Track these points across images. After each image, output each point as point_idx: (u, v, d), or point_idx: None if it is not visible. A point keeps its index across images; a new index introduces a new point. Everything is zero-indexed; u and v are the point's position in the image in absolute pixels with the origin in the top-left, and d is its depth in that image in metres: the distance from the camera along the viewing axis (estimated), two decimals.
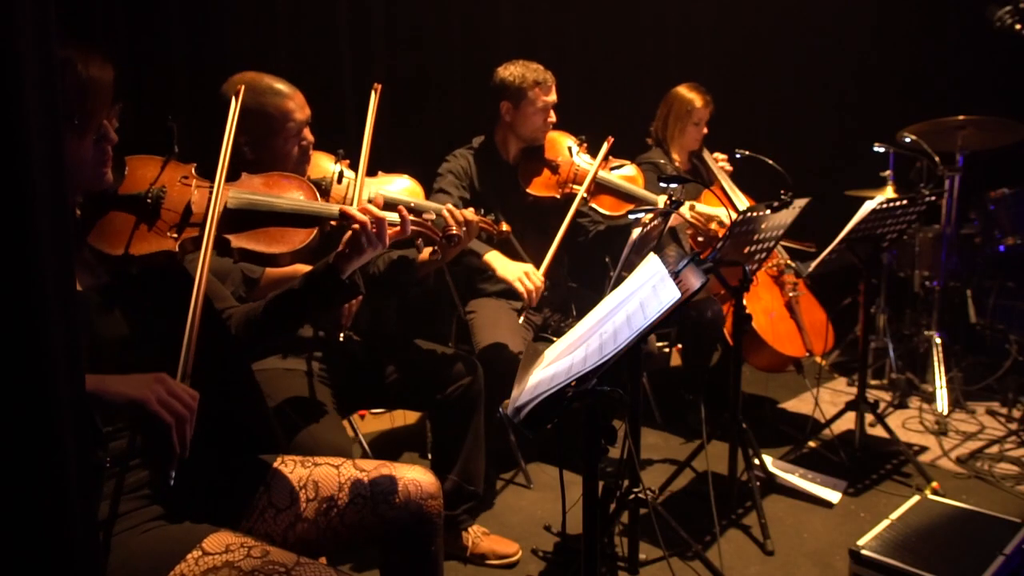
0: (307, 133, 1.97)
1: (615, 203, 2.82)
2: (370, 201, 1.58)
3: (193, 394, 1.14)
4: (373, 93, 2.04)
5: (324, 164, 2.16)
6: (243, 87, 1.67)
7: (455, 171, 2.77)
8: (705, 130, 3.35)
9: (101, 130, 1.21)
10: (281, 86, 1.92)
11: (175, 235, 1.37)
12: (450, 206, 2.15)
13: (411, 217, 1.59)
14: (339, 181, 2.09)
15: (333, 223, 1.52)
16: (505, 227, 2.27)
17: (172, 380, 1.14)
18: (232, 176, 1.52)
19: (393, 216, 1.56)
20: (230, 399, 1.46)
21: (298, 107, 1.92)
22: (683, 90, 3.35)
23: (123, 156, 1.31)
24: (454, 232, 1.72)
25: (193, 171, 1.47)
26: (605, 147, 2.80)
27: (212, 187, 1.40)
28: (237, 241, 1.44)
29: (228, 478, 1.43)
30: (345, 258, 1.50)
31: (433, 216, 1.72)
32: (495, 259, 2.58)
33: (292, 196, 1.54)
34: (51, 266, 0.65)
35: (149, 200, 1.35)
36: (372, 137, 1.97)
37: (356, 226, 1.47)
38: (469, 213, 2.13)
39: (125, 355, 1.27)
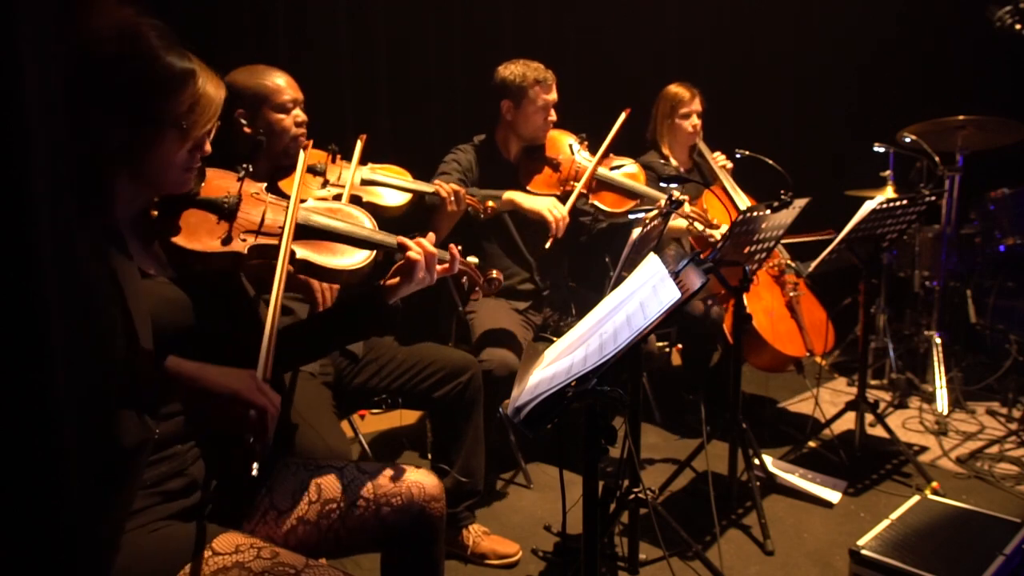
0: (300, 111, 2.09)
1: (617, 200, 2.82)
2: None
3: (276, 395, 1.21)
4: (359, 142, 2.23)
5: (317, 160, 2.22)
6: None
7: (460, 161, 2.79)
8: (698, 123, 3.34)
9: (199, 141, 1.30)
10: (274, 70, 2.07)
11: (247, 240, 1.43)
12: (439, 180, 2.36)
13: (460, 258, 1.69)
14: (333, 160, 2.21)
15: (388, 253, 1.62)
16: (491, 204, 2.42)
17: (258, 378, 1.20)
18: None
19: (444, 253, 1.66)
20: None
21: (289, 85, 2.06)
22: (670, 87, 3.38)
23: (204, 166, 1.41)
24: (494, 276, 1.83)
25: (263, 189, 1.55)
26: (605, 144, 2.80)
27: (287, 204, 1.49)
28: (302, 251, 1.50)
29: (230, 479, 1.43)
30: (392, 289, 1.55)
31: (475, 260, 1.82)
32: (517, 196, 2.65)
33: (354, 222, 1.62)
34: (52, 261, 0.65)
35: (226, 206, 1.42)
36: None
37: (412, 255, 1.55)
38: (459, 187, 2.33)
39: (196, 342, 1.30)
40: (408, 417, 3.40)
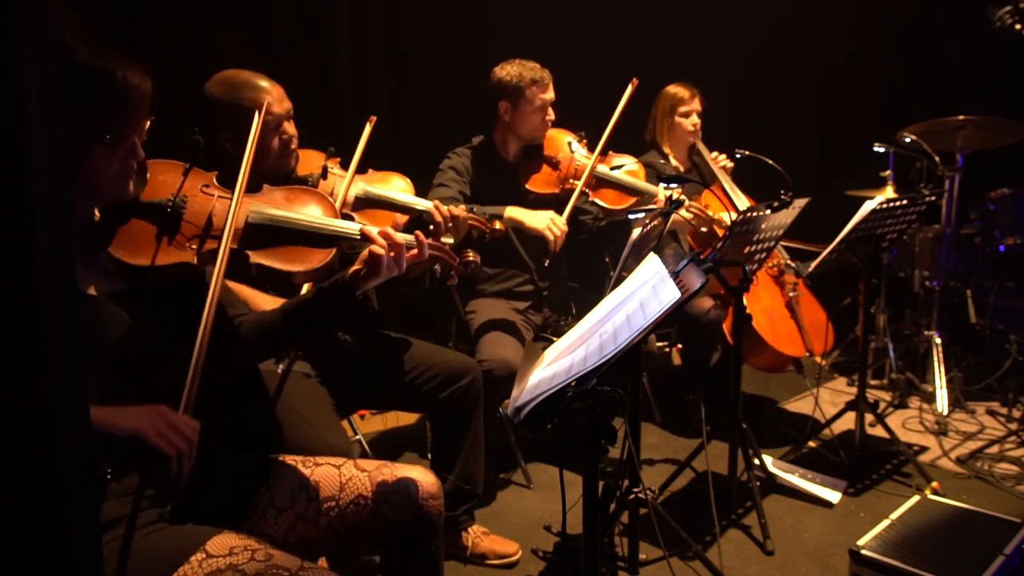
0: (288, 127, 1.96)
1: (617, 196, 2.82)
2: (392, 226, 1.56)
3: (193, 426, 1.14)
4: (368, 124, 2.15)
5: (314, 162, 2.16)
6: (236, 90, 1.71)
7: (456, 167, 2.77)
8: (698, 122, 3.34)
9: (130, 147, 1.22)
10: (259, 81, 1.90)
11: (194, 247, 1.36)
12: (437, 202, 2.18)
13: (428, 241, 1.57)
14: (324, 177, 2.09)
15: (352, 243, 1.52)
16: (499, 225, 2.29)
17: (172, 412, 1.13)
18: (254, 188, 1.51)
19: (410, 239, 1.53)
20: (236, 400, 1.46)
21: (275, 100, 1.89)
22: (669, 87, 3.39)
23: (145, 161, 1.29)
24: (470, 259, 1.71)
25: (215, 180, 1.46)
26: (603, 138, 2.80)
27: (232, 199, 1.39)
28: (256, 257, 1.42)
29: (230, 478, 1.43)
30: (361, 278, 1.46)
31: (450, 241, 1.72)
32: (517, 212, 2.61)
33: (312, 212, 1.53)
34: (51, 269, 0.65)
35: (170, 209, 1.34)
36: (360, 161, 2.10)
37: (376, 250, 1.44)
38: (458, 210, 2.16)
39: (134, 361, 1.27)
40: (408, 417, 3.40)
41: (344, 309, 1.46)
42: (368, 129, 2.20)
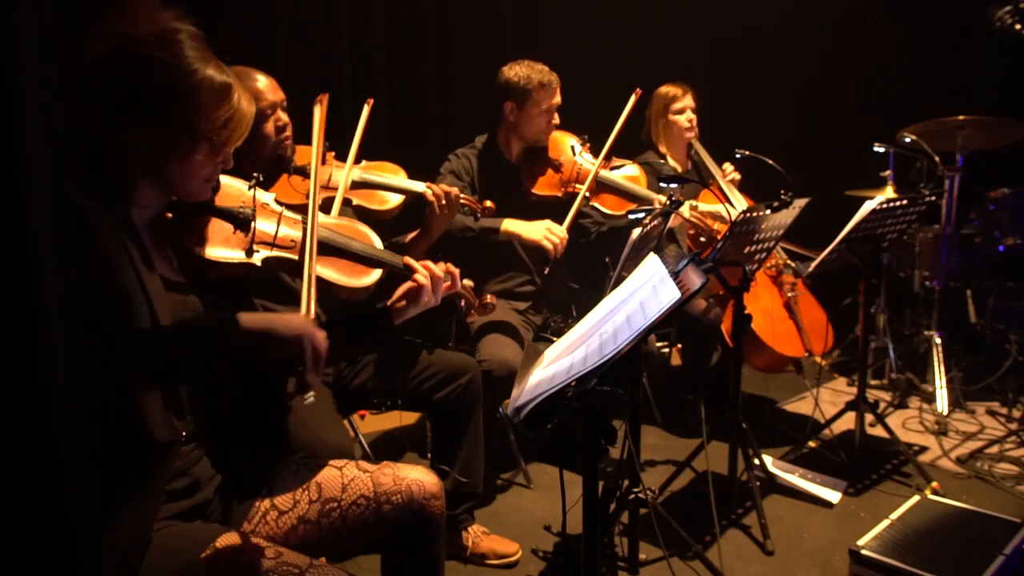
0: (282, 115, 2.04)
1: (617, 202, 2.82)
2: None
3: (323, 332, 1.30)
4: (366, 106, 2.24)
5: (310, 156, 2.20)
6: None
7: (456, 171, 2.77)
8: (693, 118, 3.34)
9: (226, 156, 1.34)
10: (253, 73, 2.01)
11: (260, 251, 1.47)
12: (430, 183, 2.28)
13: (461, 282, 1.77)
14: (323, 162, 2.16)
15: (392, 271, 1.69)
16: (488, 203, 2.36)
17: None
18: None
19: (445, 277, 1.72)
20: (255, 404, 1.49)
21: (268, 88, 2.00)
22: (660, 88, 3.39)
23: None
24: (488, 301, 1.90)
25: (274, 200, 1.59)
26: (607, 145, 2.81)
27: (300, 218, 1.57)
28: (317, 267, 1.53)
29: (231, 479, 1.43)
30: (399, 311, 1.64)
31: (470, 284, 1.90)
32: (514, 225, 2.63)
33: (366, 241, 1.70)
34: (51, 265, 0.66)
35: (242, 216, 1.44)
36: (360, 143, 2.20)
37: (419, 279, 1.63)
38: (450, 188, 2.26)
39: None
40: (408, 417, 3.40)
41: (379, 336, 1.66)
42: (367, 111, 2.25)
